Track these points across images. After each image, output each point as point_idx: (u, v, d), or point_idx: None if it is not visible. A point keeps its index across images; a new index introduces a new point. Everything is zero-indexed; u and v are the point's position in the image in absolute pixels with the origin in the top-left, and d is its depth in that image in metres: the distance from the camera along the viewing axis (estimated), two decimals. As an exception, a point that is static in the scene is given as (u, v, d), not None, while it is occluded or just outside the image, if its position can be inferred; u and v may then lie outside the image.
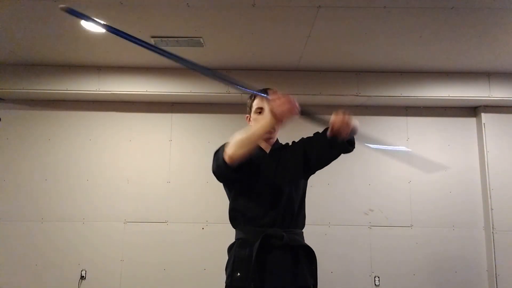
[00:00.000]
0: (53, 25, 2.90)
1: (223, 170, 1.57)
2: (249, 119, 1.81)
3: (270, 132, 1.68)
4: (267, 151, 1.77)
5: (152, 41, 3.14)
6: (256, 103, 1.76)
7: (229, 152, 1.51)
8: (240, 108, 4.13)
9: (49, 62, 3.69)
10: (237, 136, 1.52)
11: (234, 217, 1.71)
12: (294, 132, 2.01)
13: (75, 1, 2.55)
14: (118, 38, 1.41)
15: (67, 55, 3.52)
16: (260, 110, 1.73)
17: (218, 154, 1.61)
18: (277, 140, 1.83)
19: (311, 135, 1.78)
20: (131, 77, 3.76)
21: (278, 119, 1.46)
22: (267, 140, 1.77)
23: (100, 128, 3.99)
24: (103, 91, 3.74)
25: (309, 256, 1.66)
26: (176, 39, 3.11)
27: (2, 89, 3.72)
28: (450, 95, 3.74)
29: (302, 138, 1.82)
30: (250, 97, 1.81)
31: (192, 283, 3.72)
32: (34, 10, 2.67)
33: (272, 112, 1.45)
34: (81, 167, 3.91)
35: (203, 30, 2.99)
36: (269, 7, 2.63)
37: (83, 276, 3.71)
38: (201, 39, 3.12)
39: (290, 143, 1.86)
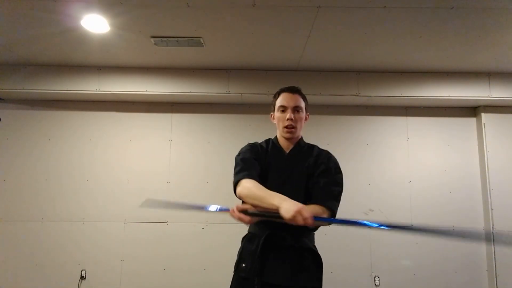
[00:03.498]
0: (53, 25, 2.90)
1: (235, 193, 1.65)
2: (273, 116, 1.83)
3: (290, 130, 1.73)
4: (288, 150, 1.76)
5: (152, 41, 3.14)
6: (279, 101, 1.77)
7: (239, 191, 1.60)
8: (240, 108, 4.16)
9: (49, 62, 3.69)
10: (253, 187, 1.56)
11: None
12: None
13: (75, 2, 2.55)
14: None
15: (67, 55, 3.52)
16: (283, 109, 1.75)
17: (237, 175, 1.65)
18: (301, 138, 1.81)
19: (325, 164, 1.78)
20: (131, 77, 3.77)
21: (287, 219, 1.41)
22: (289, 139, 1.76)
23: (100, 128, 3.99)
24: (103, 91, 3.74)
25: (314, 259, 1.66)
26: (176, 39, 3.11)
27: (2, 89, 3.72)
28: (450, 95, 3.74)
29: (323, 160, 1.77)
30: (274, 96, 1.83)
31: (192, 283, 3.72)
32: (33, 10, 2.67)
33: (284, 215, 1.41)
34: (81, 167, 3.91)
35: (203, 30, 2.99)
36: (269, 7, 2.63)
37: (83, 276, 3.71)
38: (201, 39, 3.12)
39: (316, 148, 1.81)
